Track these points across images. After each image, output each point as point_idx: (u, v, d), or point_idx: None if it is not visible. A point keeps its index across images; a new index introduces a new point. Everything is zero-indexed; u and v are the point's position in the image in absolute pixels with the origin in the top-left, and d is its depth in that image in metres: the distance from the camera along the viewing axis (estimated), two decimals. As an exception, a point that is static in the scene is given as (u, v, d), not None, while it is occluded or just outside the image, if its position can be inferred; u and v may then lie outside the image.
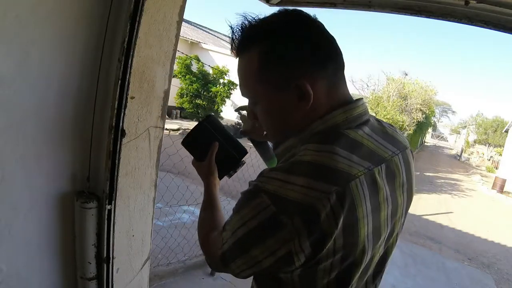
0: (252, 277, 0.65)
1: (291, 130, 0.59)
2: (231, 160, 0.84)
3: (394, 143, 0.61)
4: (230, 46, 0.60)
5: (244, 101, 0.69)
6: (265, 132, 0.72)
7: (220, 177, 0.84)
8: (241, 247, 0.53)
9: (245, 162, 0.87)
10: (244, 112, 0.96)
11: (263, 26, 0.56)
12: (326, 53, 0.56)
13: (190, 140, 0.84)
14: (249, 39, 0.57)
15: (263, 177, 0.53)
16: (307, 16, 0.56)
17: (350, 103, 0.58)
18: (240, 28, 0.57)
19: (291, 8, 0.58)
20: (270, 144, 0.95)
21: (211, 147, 0.81)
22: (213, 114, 0.92)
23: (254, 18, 0.57)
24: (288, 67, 0.55)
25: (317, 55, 0.55)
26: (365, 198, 0.50)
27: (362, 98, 0.60)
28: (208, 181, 0.80)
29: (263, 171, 0.55)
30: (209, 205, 0.76)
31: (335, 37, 0.58)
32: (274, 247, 0.49)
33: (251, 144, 0.96)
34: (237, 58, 0.60)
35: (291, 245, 0.48)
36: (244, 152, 0.85)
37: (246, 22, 0.57)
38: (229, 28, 0.58)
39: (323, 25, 0.58)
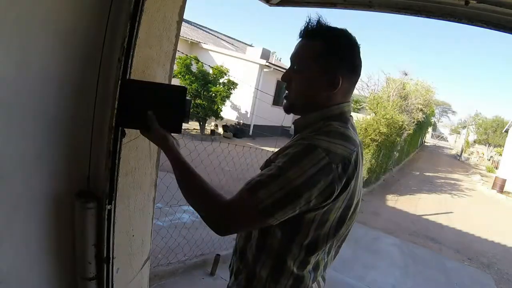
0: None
1: (312, 103, 0.81)
2: (179, 107, 0.79)
3: (357, 137, 0.83)
4: (302, 29, 0.81)
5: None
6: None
7: (177, 130, 0.83)
8: (297, 193, 0.68)
9: (191, 100, 0.84)
10: None
11: (332, 29, 0.80)
12: (357, 68, 0.82)
13: (122, 117, 0.82)
14: (321, 31, 0.80)
15: (310, 139, 0.72)
16: (355, 39, 0.81)
17: (349, 101, 0.85)
18: (317, 21, 0.79)
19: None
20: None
21: (147, 111, 0.82)
22: (129, 79, 0.87)
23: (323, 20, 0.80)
24: (336, 63, 0.79)
25: (353, 66, 0.81)
26: (360, 162, 0.78)
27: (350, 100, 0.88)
28: (164, 145, 0.84)
29: (305, 136, 0.75)
30: (184, 168, 0.81)
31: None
32: (324, 187, 0.68)
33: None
34: (302, 39, 0.82)
35: (335, 184, 0.69)
36: (181, 89, 0.81)
37: (322, 20, 0.80)
38: (308, 17, 0.80)
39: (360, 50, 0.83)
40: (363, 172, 0.86)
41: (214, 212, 0.73)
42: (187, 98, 0.83)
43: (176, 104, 0.79)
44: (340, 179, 0.70)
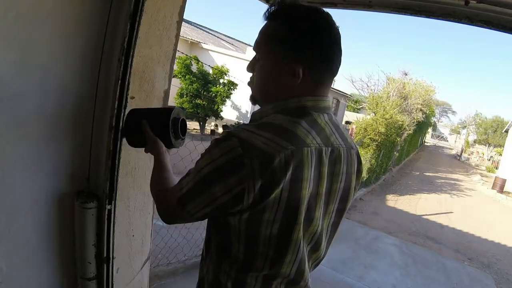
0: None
1: (271, 94, 0.70)
2: (163, 123, 0.88)
3: (342, 138, 0.73)
4: (267, 10, 0.70)
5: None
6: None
7: (168, 144, 0.88)
8: (204, 185, 0.61)
9: (181, 118, 0.92)
10: None
11: (295, 8, 0.68)
12: (329, 56, 0.68)
13: (130, 139, 0.92)
14: (281, 10, 0.68)
15: (236, 128, 0.62)
16: (331, 23, 0.67)
17: (320, 96, 0.70)
18: (280, 1, 0.68)
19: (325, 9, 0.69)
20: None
21: (143, 129, 0.88)
22: (131, 109, 0.97)
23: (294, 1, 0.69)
24: (294, 50, 0.66)
25: (322, 55, 0.67)
26: (312, 165, 0.63)
27: (329, 96, 0.74)
28: (156, 152, 0.85)
29: (237, 125, 0.64)
30: (162, 168, 0.82)
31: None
32: (233, 184, 0.58)
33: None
34: (266, 19, 0.70)
35: (246, 184, 0.57)
36: (168, 110, 0.90)
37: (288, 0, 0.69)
38: None
39: (340, 37, 0.69)
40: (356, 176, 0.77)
41: (159, 201, 0.73)
42: (181, 117, 0.92)
43: (164, 122, 0.88)
44: (255, 179, 0.57)
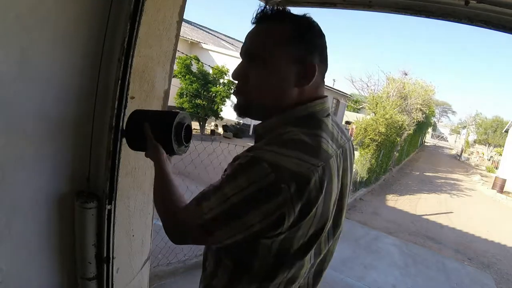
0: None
1: (275, 105, 0.67)
2: (166, 128, 0.84)
3: (344, 134, 0.75)
4: (258, 13, 0.67)
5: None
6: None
7: (170, 151, 0.84)
8: (234, 214, 0.57)
9: (186, 123, 0.88)
10: None
11: (290, 12, 0.68)
12: (327, 59, 0.70)
13: (130, 142, 0.88)
14: (285, 14, 0.67)
15: (257, 150, 0.59)
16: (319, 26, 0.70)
17: (324, 97, 0.70)
18: (276, 4, 0.69)
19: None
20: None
21: (145, 132, 0.84)
22: (135, 109, 0.93)
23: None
24: (309, 49, 0.66)
25: (324, 55, 0.69)
26: (336, 172, 0.63)
27: (327, 96, 0.73)
28: (156, 159, 0.82)
29: (255, 146, 0.62)
30: (163, 177, 0.77)
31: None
32: (269, 211, 0.55)
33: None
34: (260, 24, 0.68)
35: (285, 208, 0.55)
36: (173, 114, 0.86)
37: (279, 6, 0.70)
38: (259, 4, 0.69)
39: None
40: (356, 173, 0.78)
41: (167, 218, 0.69)
42: (186, 123, 0.88)
43: (167, 127, 0.84)
44: (294, 202, 0.55)
